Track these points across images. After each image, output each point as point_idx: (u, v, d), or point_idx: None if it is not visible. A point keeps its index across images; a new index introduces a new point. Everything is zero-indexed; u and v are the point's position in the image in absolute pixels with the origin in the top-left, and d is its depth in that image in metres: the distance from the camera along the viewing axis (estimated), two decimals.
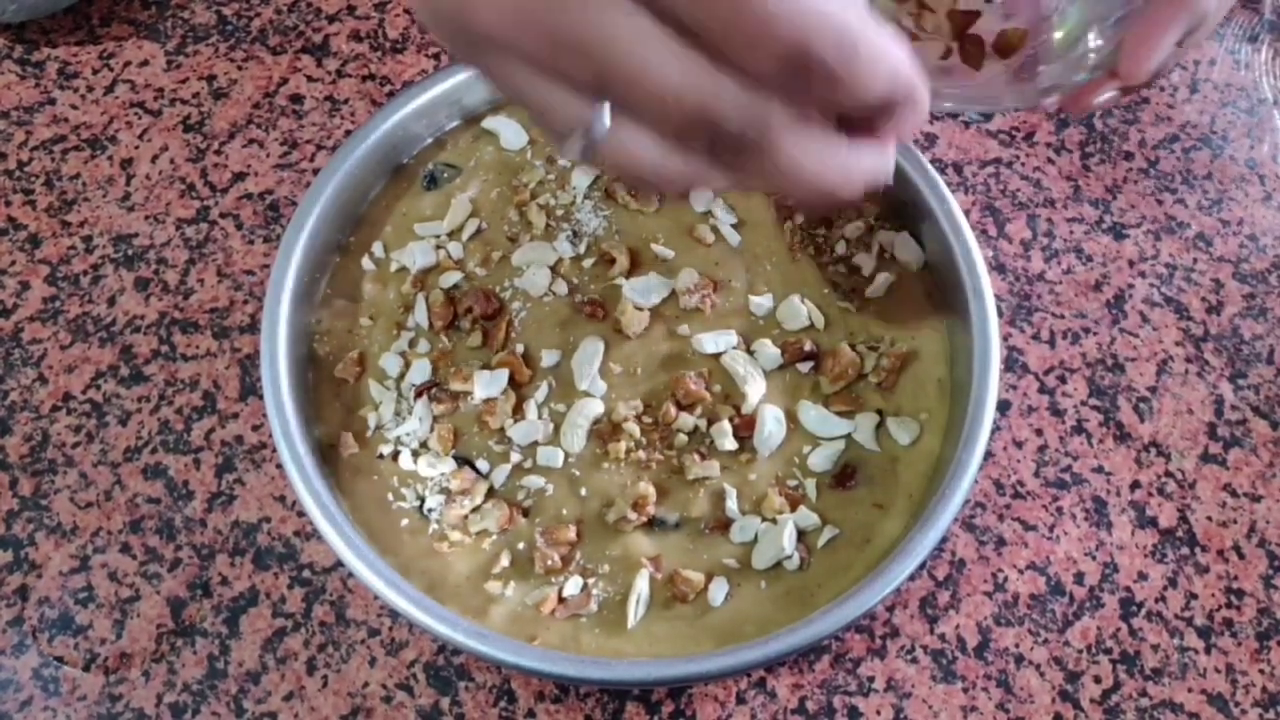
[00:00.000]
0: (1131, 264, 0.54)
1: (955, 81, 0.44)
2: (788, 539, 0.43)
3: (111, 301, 0.51)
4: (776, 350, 0.46)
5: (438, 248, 0.49)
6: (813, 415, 0.45)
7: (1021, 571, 0.47)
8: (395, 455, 0.45)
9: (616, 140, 0.27)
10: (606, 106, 0.27)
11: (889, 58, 0.25)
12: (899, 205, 0.50)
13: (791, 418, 0.45)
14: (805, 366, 0.47)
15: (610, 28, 0.25)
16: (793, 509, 0.44)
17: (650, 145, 0.27)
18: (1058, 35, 0.42)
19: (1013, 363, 0.51)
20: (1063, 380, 0.51)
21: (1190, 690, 0.45)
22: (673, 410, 0.45)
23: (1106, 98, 0.40)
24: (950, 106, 0.46)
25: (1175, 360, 0.51)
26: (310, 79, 0.57)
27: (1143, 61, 0.38)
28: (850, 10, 0.24)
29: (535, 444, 0.45)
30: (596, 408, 0.45)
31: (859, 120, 0.28)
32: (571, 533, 0.43)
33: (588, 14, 0.25)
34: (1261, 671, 0.46)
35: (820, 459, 0.45)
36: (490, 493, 0.44)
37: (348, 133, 0.55)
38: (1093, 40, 0.40)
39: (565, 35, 0.25)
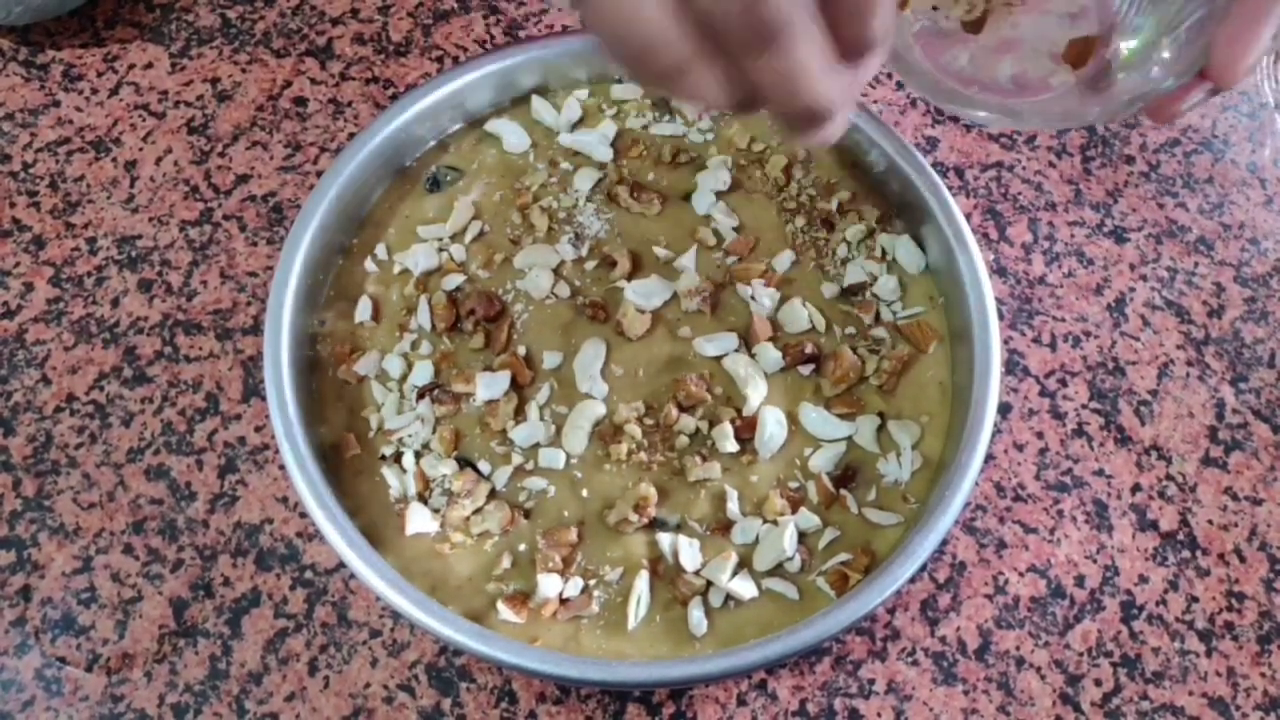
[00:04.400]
0: (1132, 267, 0.54)
1: (1030, 98, 0.43)
2: (789, 541, 0.43)
3: (115, 303, 0.51)
4: (778, 353, 0.46)
5: (440, 250, 0.49)
6: (814, 417, 0.45)
7: (1022, 574, 0.47)
8: (398, 457, 0.45)
9: None
10: None
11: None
12: (901, 208, 0.50)
13: (793, 420, 0.46)
14: (806, 369, 0.47)
15: None
16: (794, 511, 0.44)
17: (656, 9, 0.26)
18: (1130, 44, 0.41)
19: (1014, 366, 0.51)
20: (1064, 383, 0.51)
21: (1191, 693, 0.45)
22: (674, 412, 0.45)
23: (1195, 101, 0.38)
24: (1033, 125, 0.45)
25: (1176, 364, 0.52)
26: (314, 82, 0.58)
27: (1237, 60, 0.35)
28: None
29: (537, 446, 0.45)
30: (598, 409, 0.45)
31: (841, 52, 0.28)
32: (573, 534, 0.43)
33: None
34: (1263, 675, 0.46)
35: (821, 461, 0.45)
36: (492, 494, 0.44)
37: (351, 135, 0.55)
38: (1167, 47, 0.39)
39: None
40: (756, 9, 0.25)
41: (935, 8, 0.45)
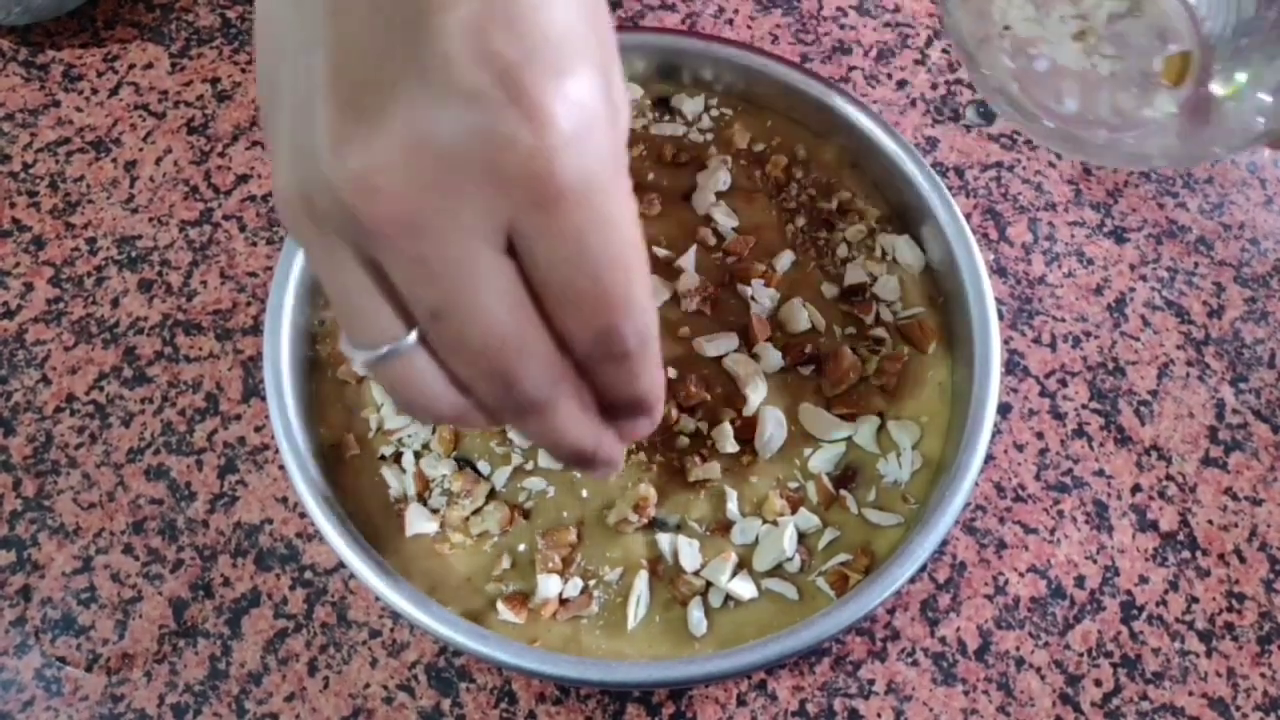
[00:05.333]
0: (1132, 268, 0.54)
1: (1132, 132, 0.43)
2: (788, 541, 0.43)
3: (115, 303, 0.51)
4: (778, 353, 0.46)
5: None
6: (814, 418, 0.45)
7: (1022, 574, 0.47)
8: (397, 457, 0.45)
9: (408, 365, 0.28)
10: (416, 332, 0.27)
11: (658, 364, 0.30)
12: (901, 208, 0.50)
13: (793, 420, 0.46)
14: (806, 369, 0.47)
15: (474, 264, 0.26)
16: (793, 511, 0.44)
17: (438, 380, 0.28)
18: (1234, 74, 0.41)
19: (1014, 366, 0.51)
20: (1064, 384, 0.51)
21: (1191, 694, 0.45)
22: (674, 412, 0.45)
23: None
24: (1128, 158, 0.47)
25: (1176, 364, 0.52)
26: None
27: None
28: (654, 316, 0.28)
29: (536, 446, 0.45)
30: None
31: (610, 411, 0.31)
32: (572, 534, 0.43)
33: (461, 243, 0.25)
34: (1263, 675, 0.46)
35: (821, 461, 0.45)
36: (491, 494, 0.44)
37: None
38: (1267, 86, 0.39)
39: (432, 254, 0.25)
40: (514, 393, 0.28)
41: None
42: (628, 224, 0.26)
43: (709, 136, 0.52)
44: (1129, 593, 0.47)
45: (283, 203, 0.27)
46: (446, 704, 0.44)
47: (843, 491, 0.44)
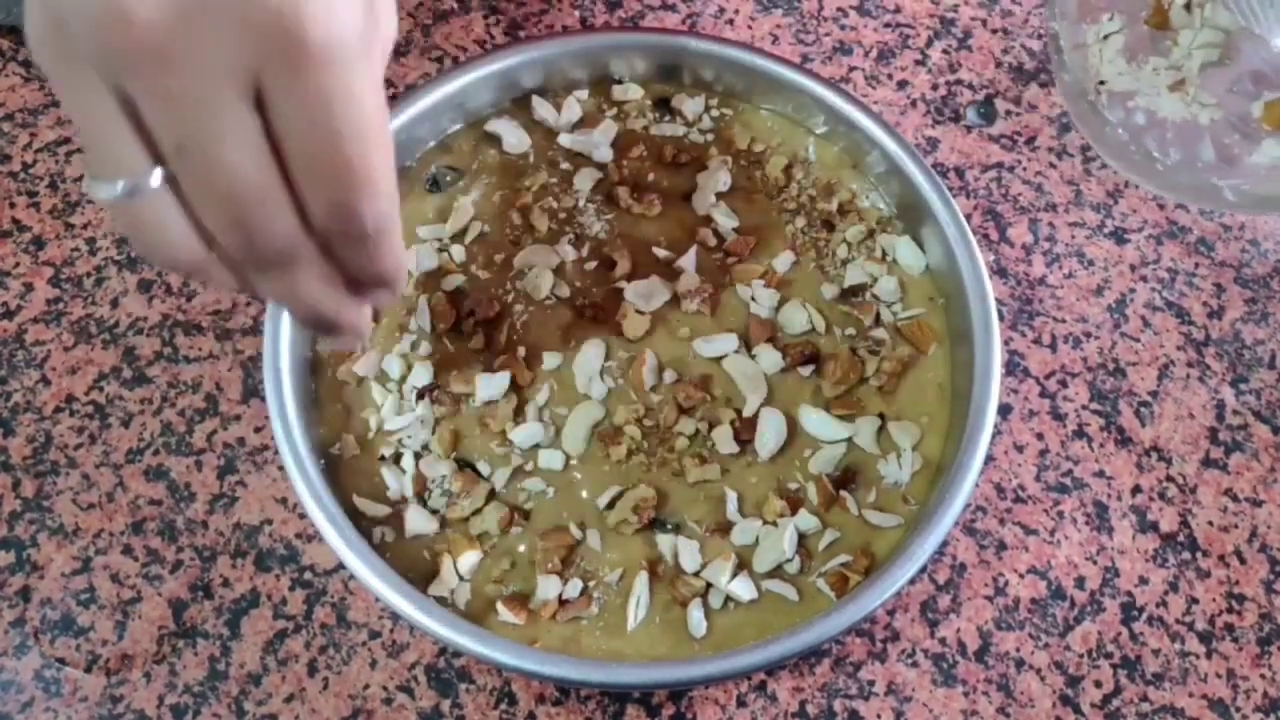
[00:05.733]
0: (1133, 268, 0.54)
1: (1239, 174, 0.43)
2: (788, 542, 0.43)
3: (114, 303, 0.51)
4: (777, 354, 0.46)
5: (440, 250, 0.49)
6: (814, 419, 0.45)
7: (1022, 575, 0.47)
8: (397, 457, 0.45)
9: (151, 206, 0.29)
10: (160, 172, 0.28)
11: (400, 248, 0.32)
12: (901, 209, 0.50)
13: (792, 421, 0.46)
14: (806, 370, 0.47)
15: (219, 105, 0.27)
16: (793, 512, 0.44)
17: (180, 224, 0.29)
18: None
19: (1014, 367, 0.51)
20: (1064, 384, 0.51)
21: (1191, 695, 0.45)
22: (674, 413, 0.45)
23: None
24: (1237, 202, 0.48)
25: (1176, 365, 0.51)
26: None
27: None
28: (395, 204, 0.30)
29: (536, 447, 0.45)
30: (597, 411, 0.45)
31: (354, 284, 0.33)
32: (572, 535, 0.43)
33: (208, 83, 0.26)
34: (1263, 676, 0.46)
35: (821, 462, 0.45)
36: (491, 495, 0.44)
37: None
38: None
39: (180, 88, 0.26)
40: (255, 245, 0.29)
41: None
42: (372, 104, 0.28)
43: (709, 137, 0.52)
44: (1129, 594, 0.47)
45: (34, 30, 0.27)
46: (446, 705, 0.44)
47: (843, 492, 0.44)
